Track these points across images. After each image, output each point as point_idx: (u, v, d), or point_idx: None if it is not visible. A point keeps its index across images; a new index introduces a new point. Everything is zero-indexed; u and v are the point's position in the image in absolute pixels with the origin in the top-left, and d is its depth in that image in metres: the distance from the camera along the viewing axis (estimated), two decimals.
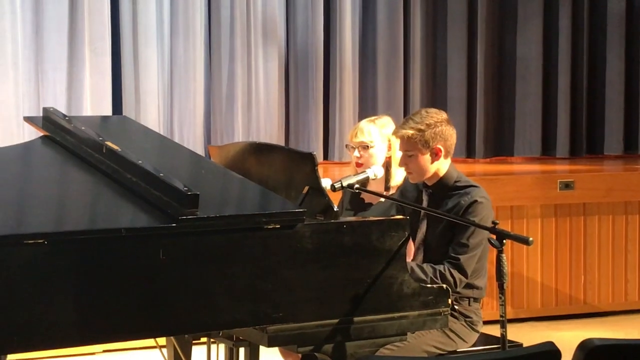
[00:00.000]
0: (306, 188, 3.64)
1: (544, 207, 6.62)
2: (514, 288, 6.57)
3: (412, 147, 4.17)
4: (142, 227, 3.32)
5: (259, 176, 3.83)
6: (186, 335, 4.02)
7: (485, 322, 4.44)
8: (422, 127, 4.16)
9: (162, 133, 6.96)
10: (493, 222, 3.76)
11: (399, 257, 3.62)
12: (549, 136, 8.43)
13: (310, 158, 3.69)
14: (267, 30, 7.69)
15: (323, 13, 7.85)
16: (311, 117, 7.85)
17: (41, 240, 3.14)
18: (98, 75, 7.14)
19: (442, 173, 4.22)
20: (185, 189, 3.34)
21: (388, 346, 3.73)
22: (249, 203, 3.74)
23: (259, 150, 4.07)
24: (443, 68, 8.24)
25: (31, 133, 6.27)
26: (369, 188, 4.52)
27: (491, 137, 8.36)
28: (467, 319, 4.20)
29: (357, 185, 4.12)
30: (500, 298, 3.64)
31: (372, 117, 4.87)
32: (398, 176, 4.69)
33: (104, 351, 5.84)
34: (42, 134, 4.01)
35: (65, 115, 4.00)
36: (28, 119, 4.24)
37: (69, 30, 7.07)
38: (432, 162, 4.19)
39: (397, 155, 4.57)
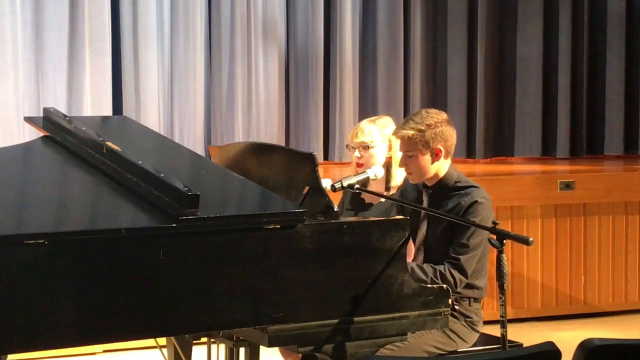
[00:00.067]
0: (306, 188, 3.64)
1: (544, 208, 6.62)
2: (514, 288, 6.57)
3: (413, 148, 4.17)
4: (142, 227, 3.32)
5: (259, 176, 3.83)
6: (186, 335, 4.02)
7: (486, 322, 4.44)
8: (423, 128, 4.16)
9: (162, 133, 6.97)
10: (493, 223, 3.76)
11: (399, 257, 3.62)
12: (549, 136, 8.43)
13: (310, 158, 3.70)
14: (267, 31, 7.69)
15: (323, 13, 7.85)
16: (311, 117, 7.85)
17: (41, 241, 3.14)
18: (98, 75, 7.14)
19: (442, 173, 4.22)
20: (185, 189, 3.34)
21: (388, 346, 3.73)
22: (249, 203, 3.74)
23: (259, 150, 4.07)
24: (443, 68, 8.24)
25: (31, 133, 6.27)
26: (370, 188, 4.52)
27: (491, 137, 8.36)
28: (468, 319, 4.20)
29: (357, 186, 4.11)
30: (501, 298, 3.64)
31: (373, 117, 4.87)
32: (398, 176, 4.69)
33: (104, 351, 5.84)
34: (42, 134, 4.01)
35: (65, 116, 4.01)
36: (28, 119, 4.24)
37: (69, 30, 7.07)
38: (433, 162, 4.19)
39: (397, 155, 4.57)
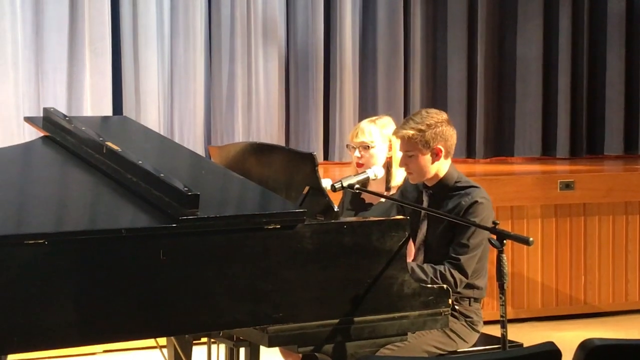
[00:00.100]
0: (306, 188, 3.64)
1: (544, 208, 6.62)
2: (515, 288, 6.57)
3: (413, 148, 4.17)
4: (142, 228, 3.32)
5: (259, 176, 3.82)
6: (186, 336, 4.02)
7: (486, 322, 4.44)
8: (423, 128, 4.16)
9: (162, 133, 6.97)
10: (493, 223, 3.76)
11: (399, 257, 3.62)
12: (549, 136, 8.43)
13: (310, 158, 3.69)
14: (267, 31, 7.69)
15: (323, 13, 7.85)
16: (311, 117, 7.85)
17: (41, 241, 3.13)
18: (98, 75, 7.14)
19: (442, 173, 4.22)
20: (185, 189, 3.34)
21: (388, 346, 3.73)
22: (249, 203, 3.74)
23: (259, 150, 4.07)
24: (443, 68, 8.25)
25: (31, 133, 6.27)
26: (370, 188, 4.52)
27: (491, 138, 8.36)
28: (468, 319, 4.20)
29: (357, 186, 4.11)
30: (501, 298, 3.64)
31: (373, 117, 4.87)
32: (398, 176, 4.69)
33: (104, 351, 5.84)
34: (42, 134, 4.01)
35: (65, 116, 4.01)
36: (28, 119, 4.24)
37: (69, 30, 7.07)
38: (433, 162, 4.19)
39: (397, 155, 4.57)
